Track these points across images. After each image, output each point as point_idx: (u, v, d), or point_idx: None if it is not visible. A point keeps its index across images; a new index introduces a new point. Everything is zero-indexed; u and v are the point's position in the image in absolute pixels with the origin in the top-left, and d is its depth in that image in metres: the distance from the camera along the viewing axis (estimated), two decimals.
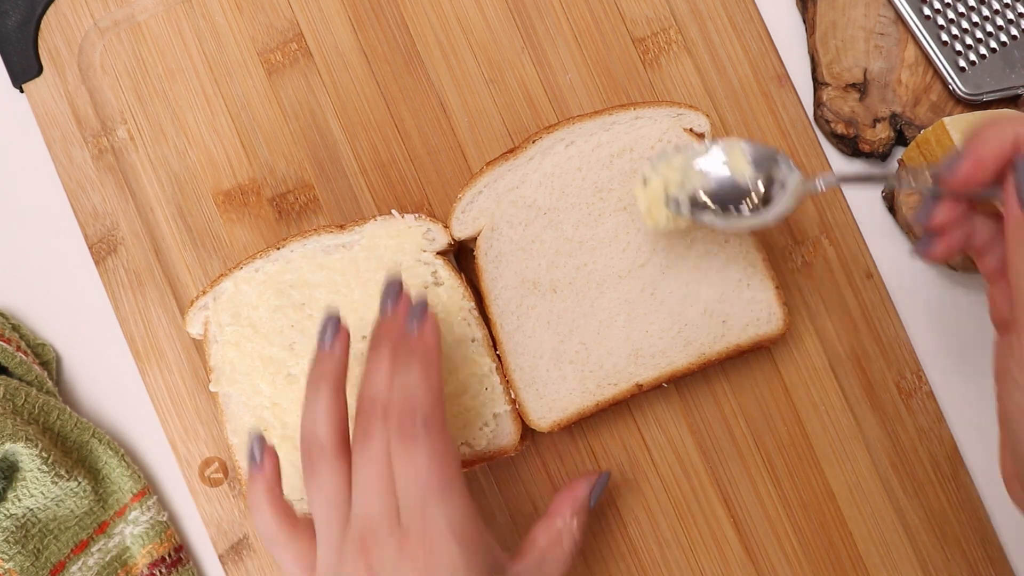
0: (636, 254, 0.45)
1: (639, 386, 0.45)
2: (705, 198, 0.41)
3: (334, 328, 0.40)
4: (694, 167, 0.42)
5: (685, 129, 0.46)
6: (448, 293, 0.46)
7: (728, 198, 0.41)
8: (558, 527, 0.41)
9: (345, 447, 0.39)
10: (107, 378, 0.51)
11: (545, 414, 0.45)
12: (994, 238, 0.36)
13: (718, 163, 0.42)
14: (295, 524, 0.39)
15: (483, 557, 0.37)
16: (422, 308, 0.40)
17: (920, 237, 0.38)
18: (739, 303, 0.45)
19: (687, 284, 0.45)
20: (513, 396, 0.45)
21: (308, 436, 0.39)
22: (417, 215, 0.46)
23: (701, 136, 0.46)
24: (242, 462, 0.45)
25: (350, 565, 0.37)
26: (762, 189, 0.41)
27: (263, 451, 0.40)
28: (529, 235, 0.46)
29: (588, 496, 0.43)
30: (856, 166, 0.50)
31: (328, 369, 0.39)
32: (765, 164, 0.41)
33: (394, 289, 0.40)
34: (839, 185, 0.42)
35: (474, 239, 0.46)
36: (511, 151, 0.46)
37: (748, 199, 0.41)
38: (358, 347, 0.45)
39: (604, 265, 0.45)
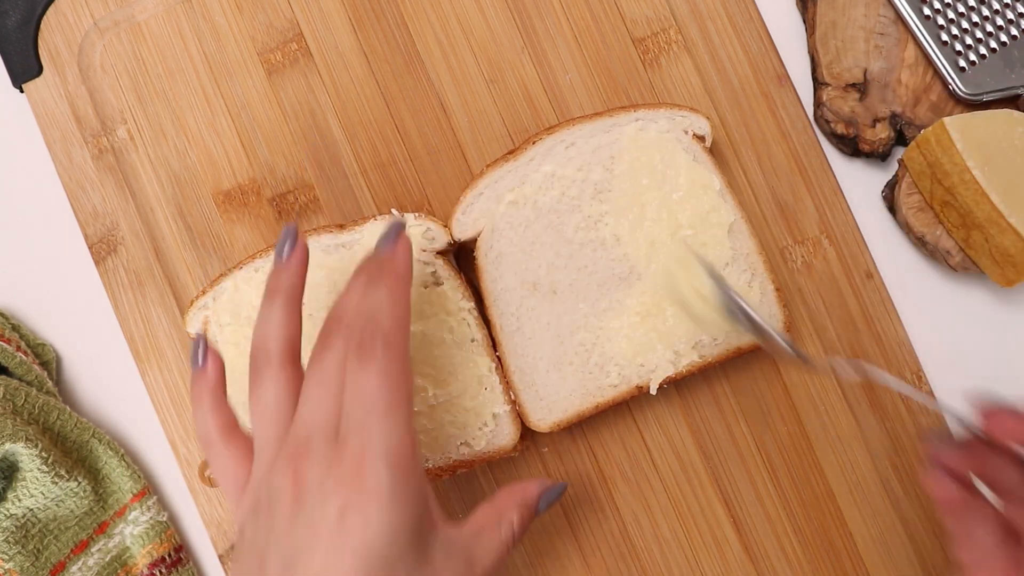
0: (636, 256, 0.45)
1: (639, 388, 0.45)
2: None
3: (292, 242, 0.39)
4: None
5: (685, 131, 0.46)
6: (448, 293, 0.46)
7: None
8: (499, 513, 0.40)
9: (294, 362, 0.38)
10: (107, 378, 0.51)
11: (545, 415, 0.45)
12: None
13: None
14: (234, 432, 0.39)
15: (413, 496, 0.35)
16: (397, 230, 0.39)
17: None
18: None
19: (698, 289, 0.45)
20: (513, 396, 0.45)
21: (257, 347, 0.38)
22: (417, 215, 0.46)
23: (702, 139, 0.46)
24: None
25: (279, 477, 0.35)
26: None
27: (206, 353, 0.40)
28: (529, 236, 0.46)
29: (537, 498, 0.41)
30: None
31: (284, 283, 0.38)
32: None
33: (395, 231, 0.39)
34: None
35: (475, 240, 0.46)
36: (511, 152, 0.46)
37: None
38: None
39: (604, 267, 0.45)
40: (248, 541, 0.36)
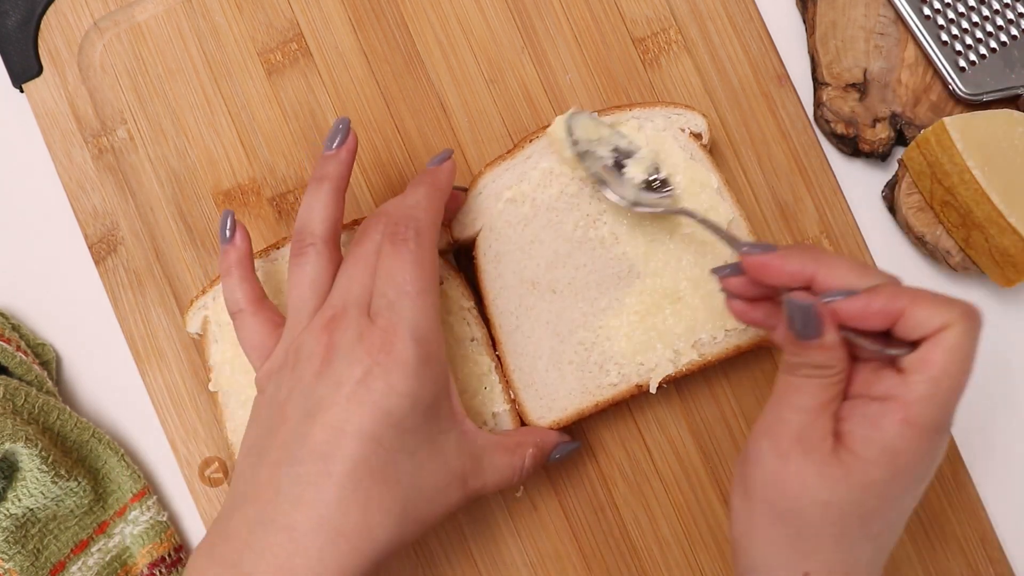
0: (636, 255, 0.45)
1: (639, 387, 0.45)
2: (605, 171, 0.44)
3: (344, 134, 0.42)
4: (611, 143, 0.44)
5: (681, 129, 0.46)
6: (448, 293, 0.45)
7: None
8: (517, 443, 0.43)
9: (335, 244, 0.41)
10: (107, 378, 0.51)
11: (544, 414, 0.45)
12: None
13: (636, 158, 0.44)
14: (263, 302, 0.42)
15: (435, 377, 0.38)
16: (446, 155, 0.43)
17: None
18: None
19: (687, 285, 0.45)
20: (512, 395, 0.45)
21: (301, 227, 0.41)
22: None
23: (699, 137, 0.46)
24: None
25: (312, 338, 0.38)
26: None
27: (234, 226, 0.43)
28: (528, 235, 0.46)
29: (553, 446, 0.44)
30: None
31: (332, 171, 0.41)
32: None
33: (444, 155, 0.43)
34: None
35: (474, 240, 0.46)
36: (509, 151, 0.46)
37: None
38: None
39: (603, 265, 0.45)
40: (269, 395, 0.39)
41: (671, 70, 0.50)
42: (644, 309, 0.45)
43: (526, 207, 0.46)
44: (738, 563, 0.37)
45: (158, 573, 0.48)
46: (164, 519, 0.49)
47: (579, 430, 0.48)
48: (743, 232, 0.45)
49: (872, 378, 0.36)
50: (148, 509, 0.49)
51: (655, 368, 0.45)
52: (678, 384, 0.48)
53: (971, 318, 0.34)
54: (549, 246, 0.45)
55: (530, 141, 0.46)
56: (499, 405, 0.45)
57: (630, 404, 0.48)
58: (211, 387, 0.46)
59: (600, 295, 0.45)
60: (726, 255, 0.45)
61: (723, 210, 0.45)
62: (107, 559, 0.48)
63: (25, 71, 0.51)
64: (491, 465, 0.41)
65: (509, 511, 0.48)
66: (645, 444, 0.48)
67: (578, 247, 0.45)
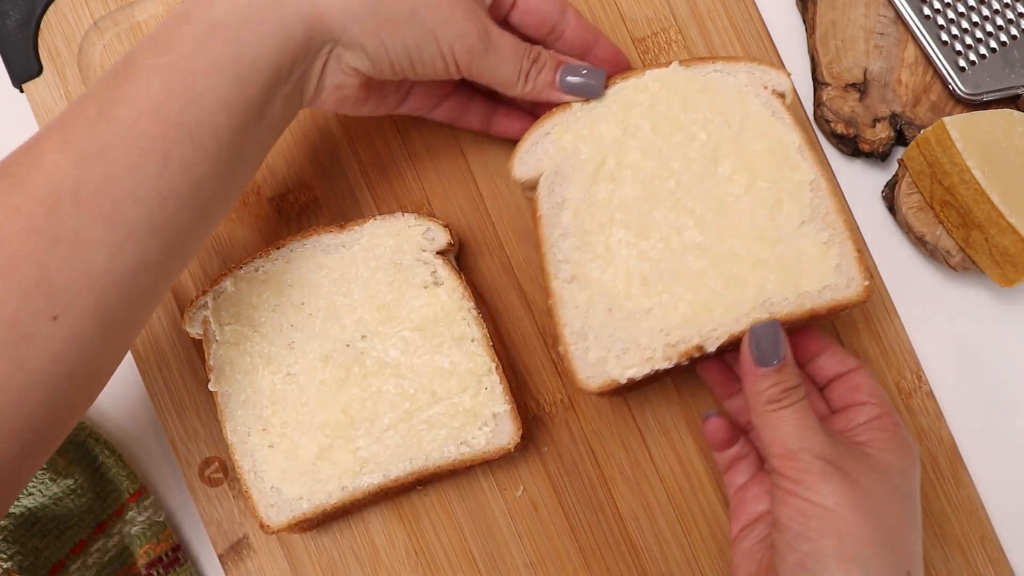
0: (704, 212, 0.42)
1: (699, 348, 0.41)
2: None
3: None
4: None
5: (764, 86, 0.44)
6: (447, 293, 0.45)
7: None
8: (537, 49, 0.42)
9: None
10: None
11: (593, 375, 0.42)
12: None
13: None
14: None
15: None
16: None
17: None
18: (816, 265, 0.41)
19: (762, 239, 0.42)
20: (561, 351, 0.43)
21: None
22: (417, 215, 0.46)
23: (782, 96, 0.44)
24: None
25: None
26: None
27: None
28: (593, 182, 0.43)
29: (575, 66, 0.43)
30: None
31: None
32: None
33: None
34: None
35: (536, 182, 0.44)
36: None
37: None
38: (358, 346, 0.45)
39: (672, 216, 0.43)
40: None
41: None
42: (710, 267, 0.42)
43: (594, 153, 0.43)
44: None
45: (156, 573, 0.48)
46: (161, 519, 0.49)
47: (579, 430, 0.48)
48: (823, 192, 0.42)
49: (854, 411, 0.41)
50: (146, 509, 0.49)
51: (716, 329, 0.41)
52: (678, 384, 0.48)
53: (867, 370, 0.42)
54: (614, 194, 0.43)
55: (607, 88, 0.44)
56: (500, 406, 0.45)
57: (630, 405, 0.48)
58: (211, 387, 0.46)
59: (666, 247, 0.42)
60: (803, 215, 0.42)
61: (804, 169, 0.42)
62: (106, 559, 0.48)
63: (25, 71, 0.51)
64: (500, 46, 0.40)
65: (509, 511, 0.48)
66: (645, 444, 0.48)
67: (645, 197, 0.43)
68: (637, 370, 0.41)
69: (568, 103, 0.44)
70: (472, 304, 0.45)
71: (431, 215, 0.48)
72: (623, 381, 0.41)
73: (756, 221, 0.42)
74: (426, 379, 0.45)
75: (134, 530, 0.48)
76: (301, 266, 0.46)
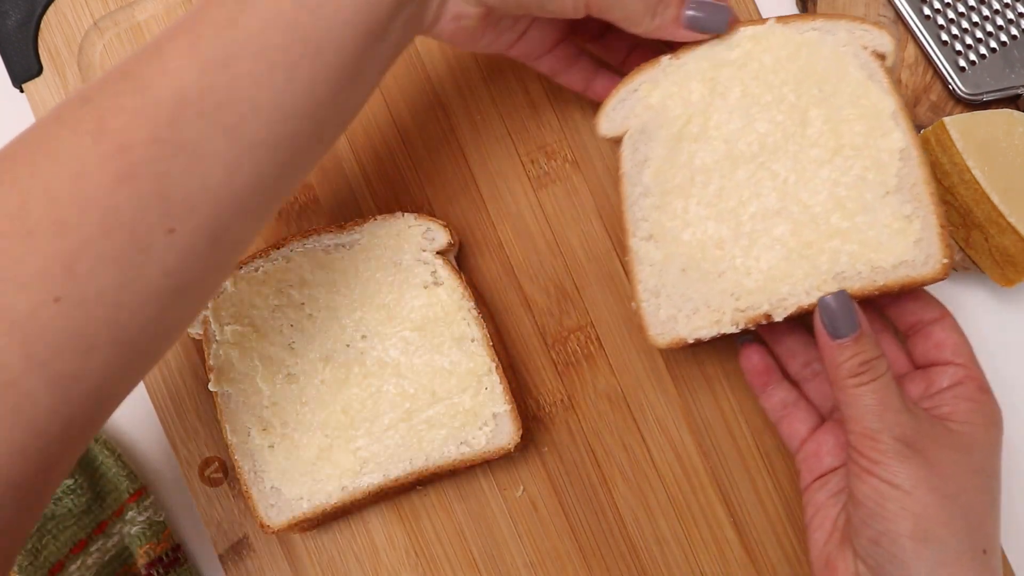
0: (791, 170, 0.42)
1: (767, 316, 0.41)
2: None
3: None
4: None
5: (864, 47, 0.42)
6: (447, 293, 0.46)
7: None
8: None
9: None
10: None
11: (663, 332, 0.42)
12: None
13: None
14: None
15: None
16: None
17: None
18: (896, 239, 0.40)
19: (842, 209, 0.41)
20: (634, 307, 0.43)
21: None
22: (417, 215, 0.46)
23: (882, 57, 0.42)
24: None
25: None
26: None
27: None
28: (677, 141, 0.43)
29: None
30: None
31: None
32: None
33: None
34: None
35: (620, 139, 0.44)
36: (675, 51, 0.43)
37: None
38: (358, 346, 0.45)
39: (754, 179, 0.42)
40: None
41: None
42: (786, 234, 0.41)
43: (681, 111, 0.43)
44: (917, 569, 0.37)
45: (156, 573, 0.48)
46: (161, 519, 0.49)
47: (579, 430, 0.48)
48: (914, 162, 0.40)
49: (938, 374, 0.41)
50: (145, 509, 0.49)
51: (787, 299, 0.41)
52: (677, 383, 0.48)
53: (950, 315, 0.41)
54: (696, 156, 0.42)
55: (692, 49, 0.43)
56: (500, 405, 0.45)
57: (630, 405, 0.48)
58: (211, 387, 0.46)
59: (746, 210, 0.42)
60: (889, 185, 0.41)
61: (895, 138, 0.41)
62: (106, 559, 0.48)
63: (25, 71, 0.51)
64: None
65: (509, 511, 0.48)
66: (645, 444, 0.48)
67: (729, 159, 0.42)
68: (705, 332, 0.42)
69: (658, 59, 0.43)
70: (472, 304, 0.45)
71: (431, 215, 0.48)
72: (690, 341, 0.42)
73: (838, 189, 0.41)
74: (426, 379, 0.45)
75: (134, 530, 0.48)
76: (301, 266, 0.46)
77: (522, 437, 0.45)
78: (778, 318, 0.41)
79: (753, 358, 0.45)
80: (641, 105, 0.43)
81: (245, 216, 0.34)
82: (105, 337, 0.31)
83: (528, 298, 0.49)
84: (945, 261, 0.40)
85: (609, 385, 0.48)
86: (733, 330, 0.42)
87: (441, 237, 0.46)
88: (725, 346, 0.48)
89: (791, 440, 0.44)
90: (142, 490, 0.49)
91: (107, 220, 0.30)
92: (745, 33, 0.42)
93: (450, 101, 0.50)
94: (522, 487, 0.48)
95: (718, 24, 0.42)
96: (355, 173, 0.50)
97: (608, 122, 0.44)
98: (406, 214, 0.46)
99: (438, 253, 0.46)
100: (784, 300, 0.41)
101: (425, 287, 0.46)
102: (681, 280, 0.42)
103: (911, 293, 0.41)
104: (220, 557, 0.49)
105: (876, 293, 0.40)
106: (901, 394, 0.38)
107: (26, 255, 0.29)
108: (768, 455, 0.48)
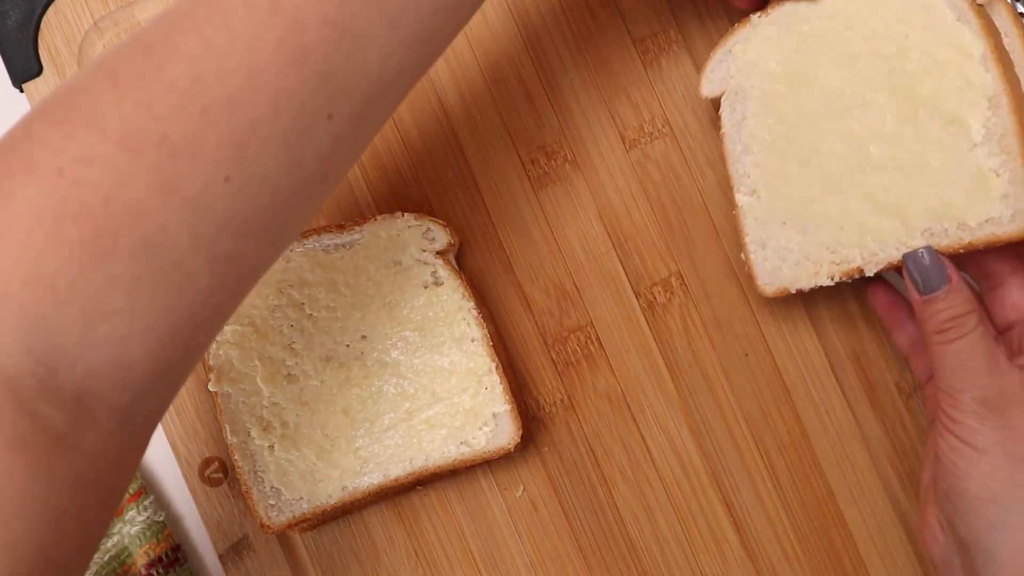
0: (883, 120, 0.41)
1: (859, 270, 0.42)
2: None
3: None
4: None
5: None
6: (448, 293, 0.46)
7: None
8: None
9: None
10: None
11: (770, 281, 0.45)
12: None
13: None
14: None
15: None
16: None
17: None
18: (982, 193, 0.39)
19: (931, 160, 0.40)
20: (744, 257, 0.45)
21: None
22: (417, 215, 0.46)
23: (981, 6, 0.40)
24: None
25: None
26: None
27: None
28: (771, 98, 0.44)
29: None
30: None
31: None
32: None
33: None
34: None
35: (719, 99, 0.45)
36: (764, 10, 0.44)
37: None
38: (358, 346, 0.45)
39: (847, 131, 0.42)
40: None
41: (672, 70, 0.49)
42: (878, 188, 0.41)
43: (774, 69, 0.44)
44: (983, 530, 0.37)
45: (156, 573, 0.48)
46: (161, 519, 0.49)
47: (579, 430, 0.48)
48: (1004, 110, 0.39)
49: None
50: (145, 509, 0.49)
51: (878, 254, 0.42)
52: (677, 383, 0.48)
53: None
54: (793, 112, 0.43)
55: (778, 4, 0.43)
56: (500, 406, 0.45)
57: (630, 404, 0.48)
58: (211, 387, 0.46)
59: (837, 168, 0.42)
60: (976, 135, 0.39)
61: (985, 83, 0.39)
62: (106, 558, 0.48)
63: (25, 71, 0.51)
64: None
65: (509, 511, 0.48)
66: (645, 444, 0.48)
67: (827, 116, 0.43)
68: (804, 283, 0.44)
69: (748, 19, 0.44)
70: (472, 304, 0.46)
71: (431, 215, 0.48)
72: (792, 291, 0.44)
73: (926, 142, 0.40)
74: (426, 379, 0.45)
75: (134, 530, 0.48)
76: (301, 266, 0.46)
77: (522, 437, 0.45)
78: (869, 273, 0.42)
79: (880, 296, 0.45)
80: (735, 65, 0.45)
81: (387, 103, 0.34)
82: (259, 221, 0.31)
83: (528, 298, 0.49)
84: None
85: (609, 385, 0.48)
86: (829, 283, 0.43)
87: (441, 237, 0.46)
88: (724, 347, 0.48)
89: (919, 374, 0.45)
90: (142, 490, 0.49)
91: (278, 101, 0.30)
92: None
93: (450, 101, 0.50)
94: (522, 487, 0.48)
95: None
96: (355, 173, 0.50)
97: (708, 84, 0.45)
98: (406, 214, 0.46)
99: (438, 253, 0.46)
100: (876, 255, 0.42)
101: (425, 287, 0.46)
102: (782, 233, 0.44)
103: (1016, 275, 0.41)
104: (220, 557, 0.49)
105: (962, 251, 0.40)
106: (990, 353, 0.38)
107: (201, 132, 0.29)
108: (768, 455, 0.48)
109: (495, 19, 0.50)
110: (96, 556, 0.48)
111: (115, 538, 0.48)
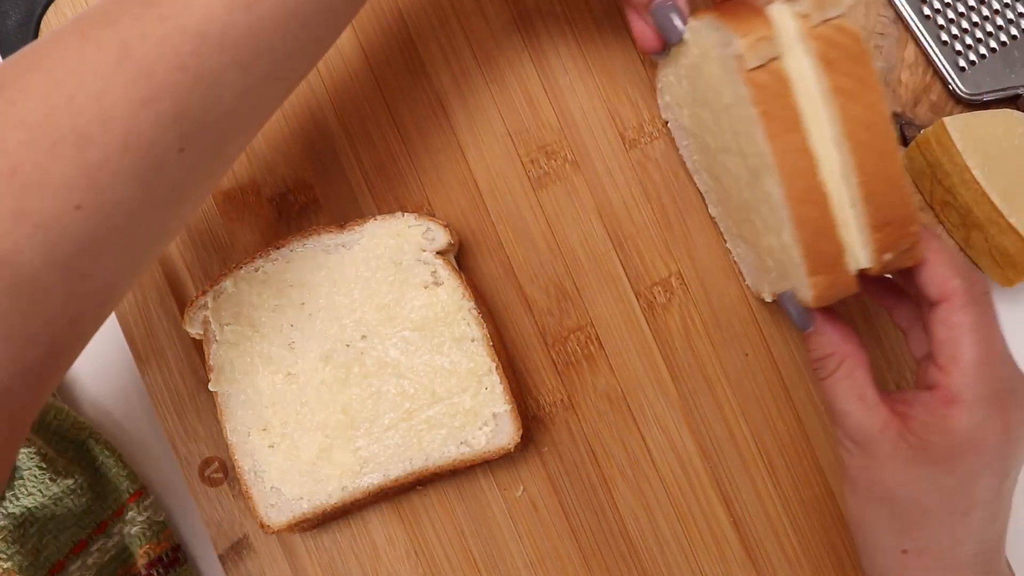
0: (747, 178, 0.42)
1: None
2: None
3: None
4: None
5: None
6: (448, 293, 0.46)
7: None
8: None
9: None
10: (107, 378, 0.51)
11: (754, 284, 0.47)
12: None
13: None
14: None
15: None
16: None
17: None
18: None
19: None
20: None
21: None
22: (417, 215, 0.46)
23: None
24: None
25: None
26: None
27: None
28: (695, 128, 0.45)
29: None
30: None
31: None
32: None
33: None
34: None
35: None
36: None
37: None
38: (358, 346, 0.45)
39: (729, 166, 0.42)
40: None
41: None
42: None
43: (681, 103, 0.46)
44: (855, 542, 0.41)
45: (156, 573, 0.48)
46: (161, 519, 0.49)
47: (579, 430, 0.48)
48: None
49: (925, 368, 0.39)
50: (145, 509, 0.49)
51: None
52: (677, 383, 0.48)
53: (969, 294, 0.38)
54: (695, 147, 0.46)
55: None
56: (500, 406, 0.45)
57: (630, 404, 0.48)
58: (211, 387, 0.46)
59: (746, 202, 0.42)
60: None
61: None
62: (106, 559, 0.48)
63: None
64: None
65: (509, 511, 0.48)
66: (645, 444, 0.48)
67: (723, 155, 0.42)
68: (767, 294, 0.45)
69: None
70: (472, 304, 0.45)
71: (431, 215, 0.48)
72: (768, 300, 0.45)
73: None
74: (426, 379, 0.45)
75: (134, 530, 0.48)
76: (301, 266, 0.46)
77: (522, 437, 0.45)
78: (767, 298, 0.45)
79: (868, 284, 0.43)
80: (664, 100, 0.48)
81: (245, 133, 0.37)
82: (117, 242, 0.33)
83: (528, 298, 0.49)
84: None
85: (609, 385, 0.48)
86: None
87: (441, 237, 0.46)
88: (724, 347, 0.48)
89: (914, 351, 0.43)
90: (142, 490, 0.49)
91: (128, 138, 0.32)
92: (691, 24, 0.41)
93: (450, 101, 0.50)
94: (522, 487, 0.48)
95: (669, 29, 0.41)
96: (355, 173, 0.50)
97: (662, 110, 0.49)
98: (406, 214, 0.46)
99: (438, 253, 0.46)
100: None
101: (425, 287, 0.46)
102: (743, 245, 0.46)
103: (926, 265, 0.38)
104: (220, 557, 0.49)
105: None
106: (857, 393, 0.39)
107: (51, 164, 0.31)
108: (768, 455, 0.48)
109: (495, 19, 0.50)
110: (96, 556, 0.48)
111: (115, 538, 0.48)
